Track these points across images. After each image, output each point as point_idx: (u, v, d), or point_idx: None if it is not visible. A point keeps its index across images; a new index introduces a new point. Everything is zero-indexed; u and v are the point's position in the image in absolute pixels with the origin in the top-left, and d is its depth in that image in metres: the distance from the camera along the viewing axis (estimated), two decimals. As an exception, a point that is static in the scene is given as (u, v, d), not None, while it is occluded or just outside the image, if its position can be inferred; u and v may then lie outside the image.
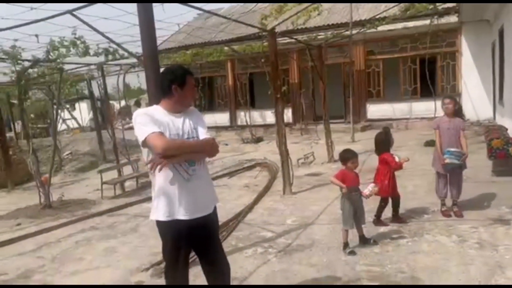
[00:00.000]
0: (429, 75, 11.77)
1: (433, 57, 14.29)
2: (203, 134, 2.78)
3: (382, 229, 4.96)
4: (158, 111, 2.73)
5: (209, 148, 2.76)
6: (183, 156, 2.64)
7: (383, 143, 5.04)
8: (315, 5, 7.42)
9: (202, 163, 2.80)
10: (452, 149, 4.95)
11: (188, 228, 2.70)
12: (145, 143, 2.58)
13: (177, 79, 2.71)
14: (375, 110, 15.41)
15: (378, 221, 5.10)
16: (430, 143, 9.71)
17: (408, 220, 5.11)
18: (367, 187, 4.48)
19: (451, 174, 5.17)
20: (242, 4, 13.41)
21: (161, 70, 3.11)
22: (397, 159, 4.87)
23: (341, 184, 4.36)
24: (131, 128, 2.90)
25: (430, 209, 5.49)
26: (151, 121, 2.60)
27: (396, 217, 5.16)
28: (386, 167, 4.95)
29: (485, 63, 13.24)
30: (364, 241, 4.53)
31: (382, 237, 4.70)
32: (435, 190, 5.41)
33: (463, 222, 4.92)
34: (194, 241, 2.81)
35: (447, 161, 4.96)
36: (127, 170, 9.77)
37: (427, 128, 12.74)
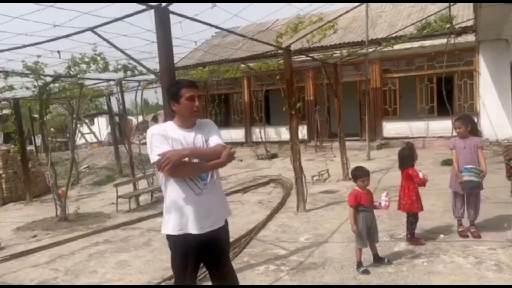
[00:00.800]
0: (446, 94, 11.64)
1: (450, 76, 14.16)
2: (214, 141, 2.77)
3: (397, 248, 4.88)
4: (171, 126, 2.79)
5: (219, 161, 2.70)
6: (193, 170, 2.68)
7: (407, 158, 4.97)
8: (331, 23, 7.50)
9: (215, 177, 2.81)
10: (470, 166, 4.86)
11: (198, 243, 2.71)
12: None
13: (172, 96, 2.77)
14: (391, 128, 15.29)
15: (412, 238, 5.01)
16: (447, 162, 9.57)
17: (424, 242, 5.00)
18: (382, 199, 4.40)
19: (468, 194, 5.07)
20: (258, 22, 13.60)
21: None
22: (421, 175, 4.81)
23: (353, 224, 4.32)
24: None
25: (446, 229, 5.38)
26: (162, 142, 2.65)
27: (413, 237, 5.07)
28: (411, 183, 4.88)
29: (504, 82, 13.04)
30: (378, 260, 4.46)
31: (397, 256, 4.62)
32: (452, 210, 5.30)
33: (481, 244, 4.80)
34: (204, 255, 2.82)
35: (465, 178, 4.85)
36: (143, 184, 9.87)
37: (444, 147, 12.55)
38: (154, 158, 2.62)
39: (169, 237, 2.77)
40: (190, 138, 2.75)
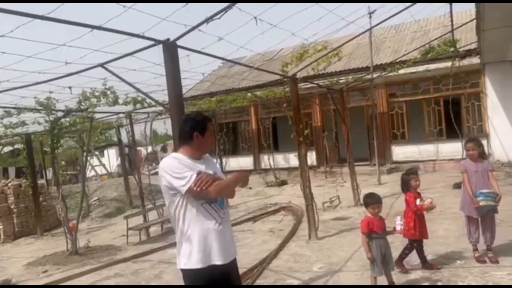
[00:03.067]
0: (454, 116, 11.63)
1: (457, 98, 14.17)
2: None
3: (413, 275, 4.77)
4: (181, 157, 2.76)
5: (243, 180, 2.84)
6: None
7: (402, 183, 4.95)
8: (335, 51, 7.63)
9: (227, 207, 2.84)
10: (485, 191, 4.78)
11: (222, 273, 2.67)
12: (190, 190, 2.59)
13: (198, 127, 2.77)
14: (401, 152, 15.21)
15: (426, 264, 4.89)
16: (459, 185, 9.41)
17: (440, 266, 4.88)
18: (396, 224, 4.32)
19: (483, 218, 4.97)
20: (263, 53, 13.87)
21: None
22: (418, 202, 4.68)
23: (368, 251, 4.24)
24: (157, 173, 2.97)
25: (463, 255, 5.25)
26: (183, 169, 2.62)
27: (425, 263, 4.95)
28: (409, 209, 4.82)
29: (512, 103, 13.04)
30: (394, 289, 4.35)
31: (414, 284, 4.50)
32: (467, 235, 5.19)
33: (499, 269, 4.67)
34: (224, 285, 2.76)
35: (482, 203, 4.75)
36: (153, 215, 9.84)
37: (455, 169, 12.41)
38: (184, 183, 2.57)
39: (191, 271, 2.63)
40: (202, 168, 2.76)
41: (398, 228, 4.30)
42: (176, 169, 2.64)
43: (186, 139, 2.79)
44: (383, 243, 4.29)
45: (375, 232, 4.27)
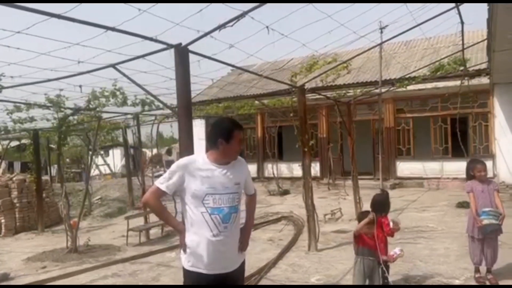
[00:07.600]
0: (460, 135, 11.58)
1: (464, 117, 14.12)
2: (249, 191, 3.05)
3: None
4: (202, 160, 2.75)
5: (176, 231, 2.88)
6: None
7: (384, 205, 4.67)
8: (345, 64, 7.67)
9: (237, 218, 2.80)
10: (487, 209, 4.75)
11: (210, 282, 2.67)
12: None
13: (223, 134, 2.73)
14: (405, 168, 15.14)
15: None
16: (463, 205, 9.37)
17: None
18: (394, 250, 4.18)
19: (486, 239, 4.93)
20: (272, 62, 13.94)
21: (195, 120, 3.22)
22: (391, 224, 4.38)
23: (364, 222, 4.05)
24: (161, 175, 3.00)
25: (462, 275, 5.21)
26: (173, 176, 2.68)
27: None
28: (380, 231, 4.47)
29: (520, 124, 12.96)
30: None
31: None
32: (470, 255, 5.14)
33: (499, 291, 4.63)
34: None
35: (485, 222, 4.72)
36: (154, 217, 9.84)
37: (459, 188, 12.34)
38: (157, 183, 2.72)
39: (183, 267, 2.77)
40: (219, 175, 2.72)
41: (392, 252, 4.14)
42: (172, 169, 2.73)
43: (211, 143, 2.78)
44: (371, 265, 4.09)
45: (363, 247, 4.13)
